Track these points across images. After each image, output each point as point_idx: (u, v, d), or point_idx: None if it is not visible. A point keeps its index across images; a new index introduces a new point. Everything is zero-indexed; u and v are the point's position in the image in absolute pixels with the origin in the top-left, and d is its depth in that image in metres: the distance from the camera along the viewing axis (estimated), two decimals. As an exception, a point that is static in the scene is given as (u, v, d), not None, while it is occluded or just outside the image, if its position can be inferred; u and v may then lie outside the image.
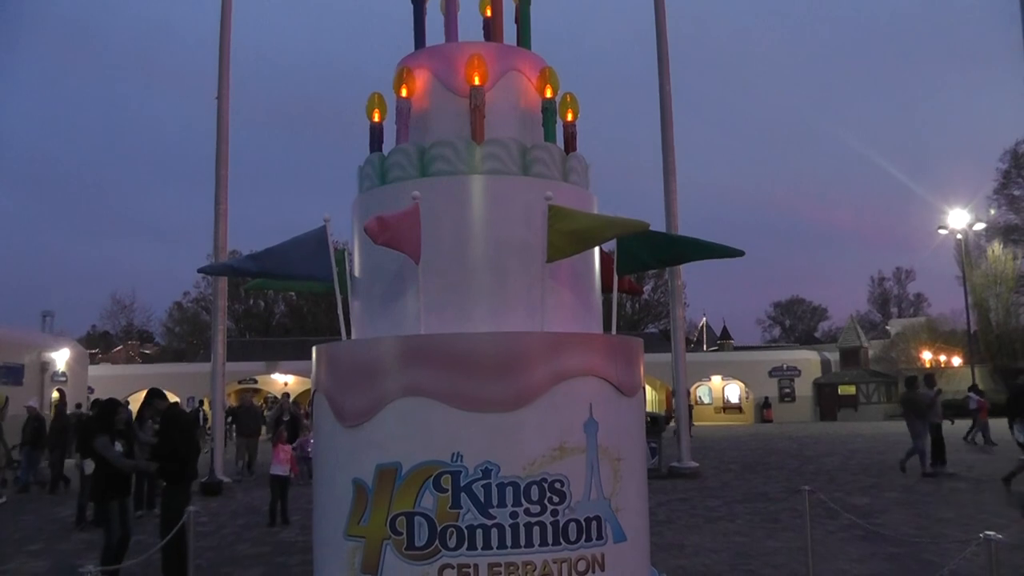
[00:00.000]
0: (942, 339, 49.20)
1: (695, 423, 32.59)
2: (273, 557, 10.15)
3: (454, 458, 5.25)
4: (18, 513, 14.56)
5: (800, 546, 8.54)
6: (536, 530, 5.25)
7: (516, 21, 7.08)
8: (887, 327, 59.95)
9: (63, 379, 31.39)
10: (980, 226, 48.62)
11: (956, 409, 41.95)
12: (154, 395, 9.42)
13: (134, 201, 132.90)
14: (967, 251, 50.60)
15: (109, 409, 9.40)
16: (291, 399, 21.95)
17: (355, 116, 7.25)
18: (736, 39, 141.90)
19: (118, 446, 8.92)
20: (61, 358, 31.26)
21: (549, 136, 6.43)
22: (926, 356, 48.49)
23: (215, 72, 18.52)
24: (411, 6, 6.99)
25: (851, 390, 47.13)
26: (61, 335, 37.14)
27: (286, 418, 18.51)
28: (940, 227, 49.69)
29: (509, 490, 5.23)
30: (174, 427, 8.77)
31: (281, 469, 12.83)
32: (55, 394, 30.86)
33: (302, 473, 16.49)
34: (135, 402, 23.23)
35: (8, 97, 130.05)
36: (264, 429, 21.95)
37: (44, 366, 29.83)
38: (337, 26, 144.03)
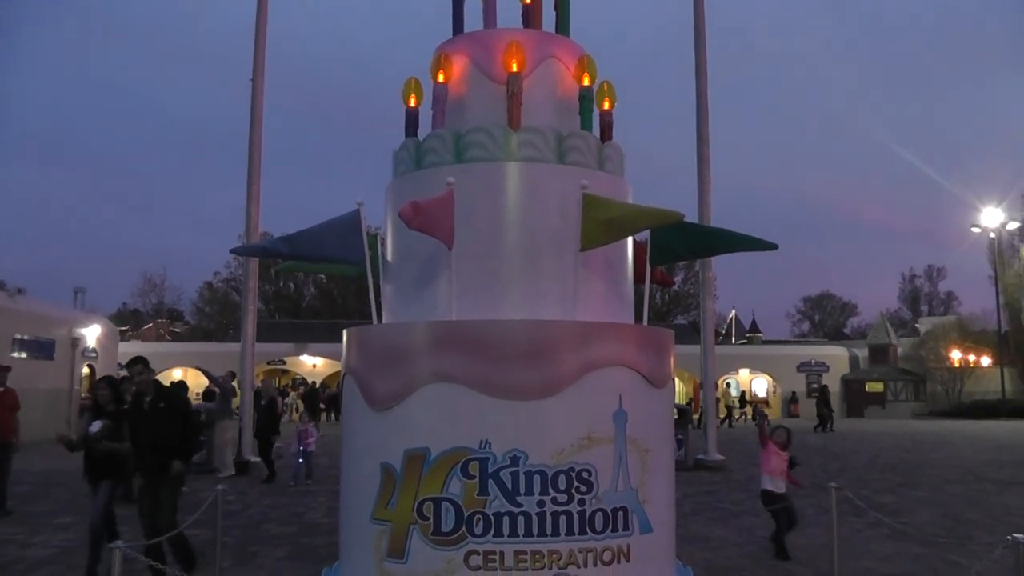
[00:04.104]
0: (972, 339, 48.66)
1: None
2: (299, 538, 10.23)
3: (482, 445, 5.25)
4: (51, 487, 14.77)
5: (825, 543, 8.48)
6: (563, 519, 5.25)
7: (555, 8, 7.04)
8: (917, 325, 59.36)
9: (94, 355, 31.70)
10: (1013, 225, 48.13)
11: (987, 410, 41.64)
12: (135, 362, 7.81)
13: (167, 181, 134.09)
14: (1000, 250, 49.99)
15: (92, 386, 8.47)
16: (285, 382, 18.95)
17: (390, 103, 7.24)
18: (771, 32, 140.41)
19: (97, 424, 7.87)
20: (92, 334, 31.53)
21: (585, 124, 6.39)
22: (955, 355, 47.96)
23: (250, 56, 18.57)
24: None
25: (879, 387, 46.78)
26: (92, 311, 37.40)
27: (263, 402, 17.13)
28: (973, 225, 49.22)
29: (536, 478, 5.23)
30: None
31: None
32: (85, 370, 31.25)
33: (298, 473, 15.09)
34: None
35: (39, 76, 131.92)
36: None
37: (75, 342, 30.05)
38: (373, 12, 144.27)
